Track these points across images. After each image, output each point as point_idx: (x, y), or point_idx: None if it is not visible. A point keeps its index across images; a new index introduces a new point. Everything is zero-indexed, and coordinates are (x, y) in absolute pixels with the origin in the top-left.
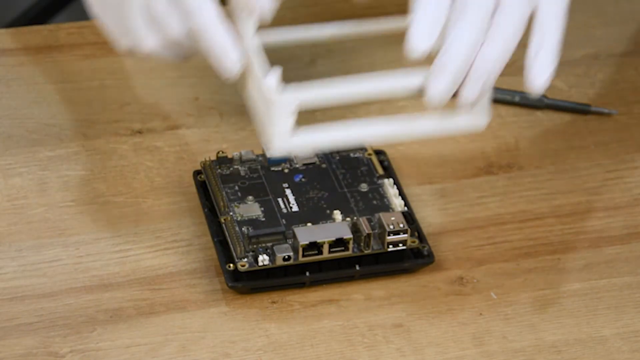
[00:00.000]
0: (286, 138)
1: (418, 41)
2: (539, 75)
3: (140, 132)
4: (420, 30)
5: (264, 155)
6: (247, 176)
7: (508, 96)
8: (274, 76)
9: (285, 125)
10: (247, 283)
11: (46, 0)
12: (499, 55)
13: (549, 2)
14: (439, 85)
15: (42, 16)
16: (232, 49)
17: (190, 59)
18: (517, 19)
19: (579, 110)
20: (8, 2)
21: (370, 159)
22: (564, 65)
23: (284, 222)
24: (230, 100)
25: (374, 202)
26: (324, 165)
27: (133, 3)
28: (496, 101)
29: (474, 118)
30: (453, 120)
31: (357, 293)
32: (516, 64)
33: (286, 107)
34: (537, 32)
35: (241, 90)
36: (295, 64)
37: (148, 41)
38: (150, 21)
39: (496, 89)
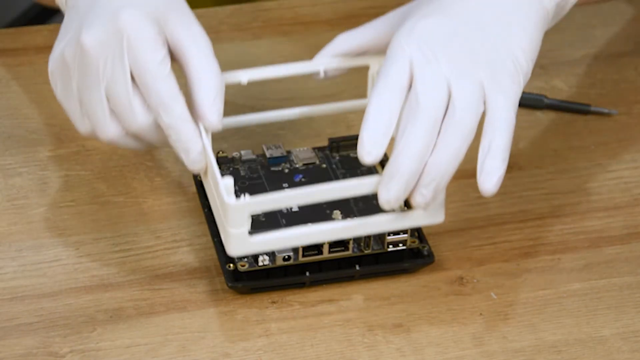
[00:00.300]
0: (243, 240)
1: (369, 150)
2: (488, 180)
3: None
4: (371, 138)
5: (264, 155)
6: (247, 176)
7: None
8: (229, 180)
9: (242, 228)
10: (247, 283)
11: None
12: (451, 160)
13: (498, 103)
14: (390, 191)
15: (42, 16)
16: (200, 143)
17: (152, 148)
18: (469, 122)
19: (579, 110)
20: (8, 2)
21: None
22: (564, 65)
23: (284, 222)
24: (230, 101)
25: (374, 202)
26: (324, 166)
27: (96, 93)
28: None
29: (430, 216)
30: (410, 217)
31: (357, 293)
32: None
33: (242, 211)
34: (486, 135)
35: (204, 182)
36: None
37: (109, 131)
38: (111, 111)
39: None
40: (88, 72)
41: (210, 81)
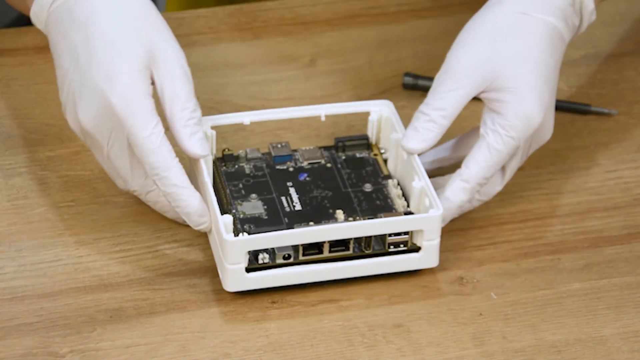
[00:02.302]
0: (240, 275)
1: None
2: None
3: None
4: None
5: (269, 153)
6: (252, 174)
7: None
8: (228, 218)
9: (239, 264)
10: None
11: None
12: None
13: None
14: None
15: None
16: (198, 206)
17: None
18: None
19: (579, 110)
20: None
21: (376, 159)
22: (564, 65)
23: (286, 220)
24: (230, 100)
25: (377, 202)
26: (329, 165)
27: (105, 158)
28: None
29: (425, 260)
30: (406, 260)
31: (357, 293)
32: None
33: (239, 248)
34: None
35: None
36: (295, 64)
37: (121, 186)
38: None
39: None
40: (93, 143)
41: (185, 112)
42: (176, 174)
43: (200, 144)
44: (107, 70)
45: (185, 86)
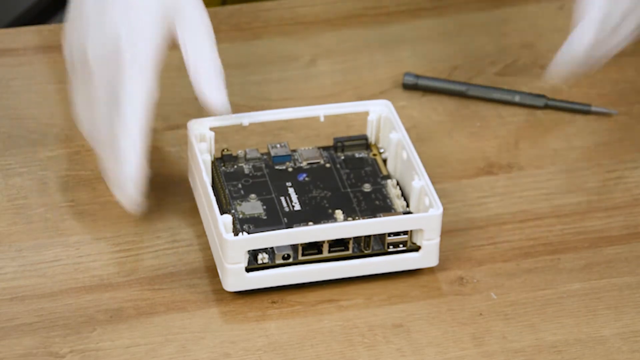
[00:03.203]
0: (239, 275)
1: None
2: None
3: None
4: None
5: (268, 153)
6: (251, 174)
7: (508, 96)
8: (228, 218)
9: (239, 264)
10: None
11: (46, 0)
12: None
13: None
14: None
15: (42, 16)
16: (135, 175)
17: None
18: None
19: (579, 110)
20: (8, 2)
21: (375, 159)
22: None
23: (286, 220)
24: (230, 100)
25: (377, 202)
26: (328, 165)
27: (84, 92)
28: (496, 101)
29: (425, 259)
30: (406, 260)
31: (357, 293)
32: (516, 63)
33: (239, 247)
34: None
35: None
36: (295, 64)
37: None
38: None
39: (496, 89)
40: (84, 77)
41: (210, 68)
42: (138, 131)
43: (226, 101)
44: (128, 15)
45: (209, 42)
